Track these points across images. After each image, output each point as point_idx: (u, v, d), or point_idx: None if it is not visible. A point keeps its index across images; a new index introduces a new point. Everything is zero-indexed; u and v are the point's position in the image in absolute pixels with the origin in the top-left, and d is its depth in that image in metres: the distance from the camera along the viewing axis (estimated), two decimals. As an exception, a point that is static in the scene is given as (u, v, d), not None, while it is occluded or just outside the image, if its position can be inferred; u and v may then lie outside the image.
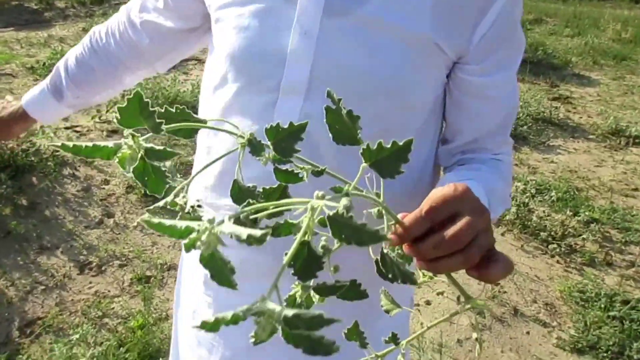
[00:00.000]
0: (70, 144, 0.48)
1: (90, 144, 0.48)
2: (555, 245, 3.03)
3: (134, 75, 1.08)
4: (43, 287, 2.42)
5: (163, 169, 0.50)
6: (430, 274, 0.52)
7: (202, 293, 0.93)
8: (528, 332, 2.44)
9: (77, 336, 2.00)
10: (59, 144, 0.48)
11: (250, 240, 0.32)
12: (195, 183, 0.91)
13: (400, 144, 0.43)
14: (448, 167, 0.89)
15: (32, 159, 3.28)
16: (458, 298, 2.52)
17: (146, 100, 0.43)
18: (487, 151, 0.86)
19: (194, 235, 0.32)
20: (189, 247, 0.33)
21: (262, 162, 0.48)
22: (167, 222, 0.35)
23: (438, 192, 0.52)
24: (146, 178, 0.51)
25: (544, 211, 3.40)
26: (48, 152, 3.48)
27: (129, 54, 1.03)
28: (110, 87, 1.09)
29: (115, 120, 0.46)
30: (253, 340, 0.31)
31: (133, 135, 0.47)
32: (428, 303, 2.56)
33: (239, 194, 0.52)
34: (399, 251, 0.51)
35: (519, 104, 0.90)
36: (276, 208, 0.42)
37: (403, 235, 0.49)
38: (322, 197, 0.38)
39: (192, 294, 0.97)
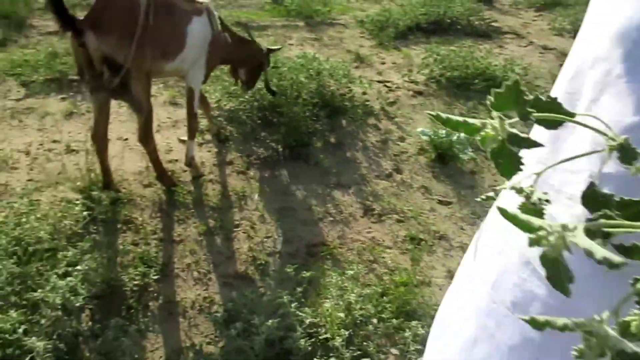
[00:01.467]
0: (445, 115, 0.51)
1: (460, 118, 0.50)
2: None
3: None
4: (331, 219, 2.72)
5: (520, 155, 0.51)
6: None
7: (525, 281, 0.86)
8: None
9: (352, 272, 2.20)
10: (434, 113, 0.51)
11: (603, 263, 0.30)
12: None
13: None
14: None
15: (347, 103, 3.65)
16: None
17: (522, 88, 0.43)
18: None
19: (542, 233, 0.33)
20: (532, 244, 0.34)
21: (632, 172, 0.41)
22: (522, 216, 0.36)
23: None
24: (500, 160, 0.52)
25: None
26: (360, 100, 3.82)
27: None
28: None
29: (488, 102, 0.45)
30: (576, 355, 0.31)
31: (501, 119, 0.47)
32: None
33: (593, 198, 0.47)
34: None
35: None
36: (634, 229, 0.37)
37: None
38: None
39: (512, 276, 0.91)
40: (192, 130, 2.81)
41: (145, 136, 2.51)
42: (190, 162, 2.82)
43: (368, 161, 3.24)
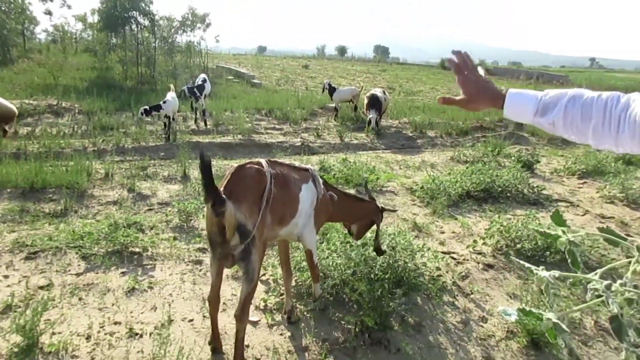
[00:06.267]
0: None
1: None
2: None
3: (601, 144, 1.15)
4: (428, 422, 2.33)
5: None
6: None
7: None
8: None
9: None
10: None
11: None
12: None
13: None
14: None
15: (421, 279, 3.43)
16: None
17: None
18: None
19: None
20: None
21: None
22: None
23: None
24: None
25: None
26: (430, 273, 3.60)
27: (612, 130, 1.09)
28: (584, 138, 1.16)
29: None
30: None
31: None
32: None
33: None
34: None
35: None
36: None
37: None
38: None
39: None
40: (316, 275, 3.06)
41: (243, 311, 2.37)
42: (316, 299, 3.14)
43: (454, 347, 2.92)
